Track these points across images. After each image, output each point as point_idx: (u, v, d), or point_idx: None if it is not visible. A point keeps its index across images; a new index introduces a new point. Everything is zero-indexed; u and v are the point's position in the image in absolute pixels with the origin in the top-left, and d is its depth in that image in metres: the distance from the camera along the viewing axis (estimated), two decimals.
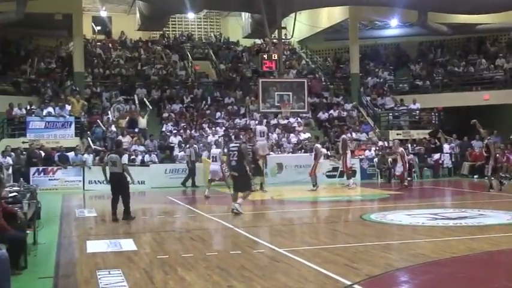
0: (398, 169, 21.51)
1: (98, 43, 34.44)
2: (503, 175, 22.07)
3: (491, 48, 33.34)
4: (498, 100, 29.14)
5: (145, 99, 28.13)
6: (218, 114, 28.99)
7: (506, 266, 8.38)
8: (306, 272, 7.80)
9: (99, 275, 7.79)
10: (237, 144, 14.22)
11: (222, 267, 8.18)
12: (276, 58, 27.86)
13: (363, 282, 7.06)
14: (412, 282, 7.63)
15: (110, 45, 34.55)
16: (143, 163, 23.73)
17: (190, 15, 34.86)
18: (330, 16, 32.33)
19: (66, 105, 25.61)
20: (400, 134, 28.57)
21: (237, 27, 35.91)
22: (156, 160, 24.22)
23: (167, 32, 36.76)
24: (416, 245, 9.69)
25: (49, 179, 22.71)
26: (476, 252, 9.06)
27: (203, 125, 27.71)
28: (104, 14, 34.46)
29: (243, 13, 33.21)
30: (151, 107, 27.64)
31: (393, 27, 33.48)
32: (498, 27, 32.15)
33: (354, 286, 6.93)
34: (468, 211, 13.90)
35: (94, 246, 10.05)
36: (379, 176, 25.61)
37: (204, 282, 7.38)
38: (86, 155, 23.43)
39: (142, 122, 26.28)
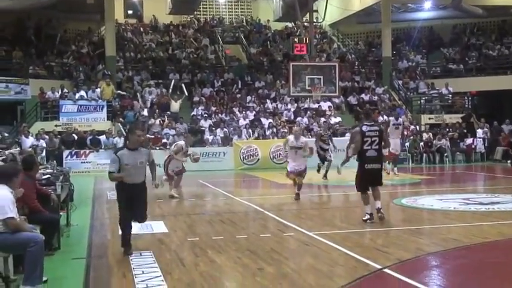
0: None
1: (130, 27, 34.54)
2: None
3: None
4: None
5: (183, 85, 28.10)
6: (248, 98, 28.95)
7: None
8: (335, 256, 7.81)
9: (130, 256, 7.90)
10: (377, 128, 10.32)
11: (252, 250, 8.23)
12: (307, 41, 27.76)
13: (394, 267, 7.03)
14: (443, 267, 7.57)
15: (141, 29, 34.59)
16: None
17: None
18: None
19: (97, 89, 25.90)
20: (432, 119, 28.31)
21: (268, 10, 35.69)
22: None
23: (198, 16, 36.75)
24: (448, 230, 9.63)
25: (81, 162, 22.95)
26: (508, 237, 8.96)
27: (233, 108, 27.73)
28: None
29: None
30: (187, 94, 27.66)
31: (426, 10, 32.97)
32: None
33: (385, 270, 6.91)
34: (501, 196, 13.72)
35: None
36: (410, 161, 25.39)
37: (234, 265, 7.43)
38: (117, 138, 23.68)
39: (175, 106, 26.39)
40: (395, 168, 19.76)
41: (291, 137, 13.89)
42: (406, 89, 31.06)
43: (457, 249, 8.22)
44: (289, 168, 13.49)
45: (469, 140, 26.25)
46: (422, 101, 29.89)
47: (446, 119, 27.85)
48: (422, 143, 25.87)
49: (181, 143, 14.94)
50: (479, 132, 26.58)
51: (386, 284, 6.68)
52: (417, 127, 27.18)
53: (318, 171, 18.48)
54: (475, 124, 27.44)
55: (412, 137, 25.86)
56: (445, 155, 25.54)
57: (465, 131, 26.93)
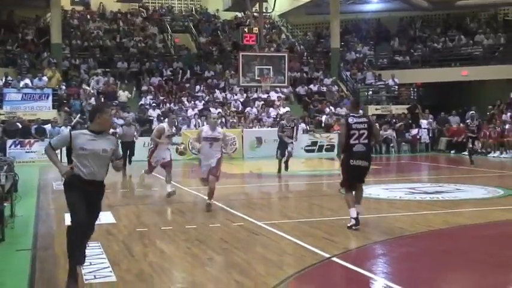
0: None
1: (76, 14, 33.83)
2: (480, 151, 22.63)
3: (470, 25, 33.49)
4: (477, 76, 29.40)
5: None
6: (198, 87, 28.80)
7: (481, 240, 8.50)
8: (284, 245, 7.85)
9: None
10: (365, 119, 9.14)
11: (201, 239, 8.21)
12: (257, 32, 27.76)
13: (341, 255, 7.13)
14: (389, 255, 7.71)
15: (89, 16, 33.93)
16: None
17: None
18: None
19: (44, 77, 25.33)
20: (378, 109, 28.74)
21: (217, 0, 35.58)
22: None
23: (147, 4, 36.30)
24: (394, 219, 9.81)
25: (26, 152, 22.47)
26: (452, 226, 9.20)
27: (182, 98, 27.54)
28: None
29: None
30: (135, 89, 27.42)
31: (374, 2, 33.49)
32: (478, 3, 32.35)
33: (333, 259, 6.99)
34: (444, 186, 14.07)
35: None
36: None
37: (183, 255, 7.39)
38: (63, 128, 23.22)
39: (123, 95, 26.10)
40: None
41: (205, 127, 11.43)
42: (354, 80, 31.43)
43: (402, 237, 8.39)
44: (201, 168, 11.22)
45: (414, 131, 26.80)
46: (369, 92, 30.33)
47: (393, 109, 28.35)
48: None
49: (163, 125, 13.37)
50: (424, 123, 27.16)
51: (335, 272, 6.76)
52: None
53: (286, 168, 17.39)
54: (420, 115, 28.01)
55: None
56: (391, 145, 26.07)
57: (410, 121, 27.49)
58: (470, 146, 19.63)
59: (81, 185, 6.07)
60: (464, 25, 33.75)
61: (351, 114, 9.04)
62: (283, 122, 18.09)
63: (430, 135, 27.01)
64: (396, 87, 30.24)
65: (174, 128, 12.08)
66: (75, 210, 6.03)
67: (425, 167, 21.71)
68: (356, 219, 8.68)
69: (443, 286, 6.29)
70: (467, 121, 20.19)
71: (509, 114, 25.50)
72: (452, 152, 25.12)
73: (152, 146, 13.03)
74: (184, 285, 6.19)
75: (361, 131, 8.81)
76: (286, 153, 17.43)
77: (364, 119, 9.07)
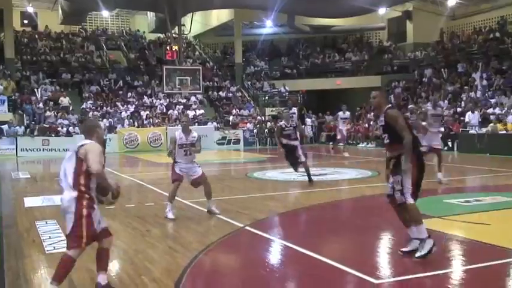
0: None
1: (26, 34, 32.13)
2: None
3: (342, 45, 34.58)
4: (347, 85, 30.44)
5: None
6: (129, 94, 28.09)
7: (358, 210, 8.82)
8: (207, 218, 7.80)
9: (37, 224, 7.40)
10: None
11: (139, 215, 8.03)
12: (176, 49, 27.42)
13: (252, 224, 7.18)
14: (290, 223, 7.86)
15: (37, 36, 32.29)
16: (68, 134, 22.81)
17: (105, 13, 33.21)
18: (219, 16, 32.09)
19: (0, 86, 24.32)
20: (273, 111, 29.13)
21: (143, 23, 34.72)
22: (78, 131, 23.21)
23: (85, 26, 34.87)
24: (291, 196, 9.98)
25: None
26: (334, 199, 9.46)
27: (117, 103, 26.80)
28: (30, 9, 32.08)
29: (148, 12, 32.20)
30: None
31: (268, 27, 33.75)
32: (347, 28, 33.38)
33: (246, 228, 7.03)
34: (326, 169, 14.39)
35: (31, 201, 9.50)
36: (257, 143, 26.04)
37: (126, 228, 7.21)
38: (17, 127, 22.31)
39: (65, 101, 25.31)
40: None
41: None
42: (254, 88, 31.71)
43: (299, 209, 8.56)
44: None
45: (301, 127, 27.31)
46: (266, 97, 30.68)
47: (284, 111, 28.74)
48: (266, 130, 26.60)
49: (175, 133, 8.36)
50: (308, 121, 27.80)
51: (247, 237, 6.79)
52: (262, 117, 27.87)
53: (309, 180, 11.08)
54: (305, 115, 28.62)
55: (258, 125, 26.50)
56: None
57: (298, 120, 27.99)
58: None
59: None
60: (337, 45, 34.81)
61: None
62: (281, 123, 11.59)
63: (313, 130, 27.71)
64: (286, 93, 30.76)
65: (192, 135, 7.99)
66: None
67: (310, 155, 22.20)
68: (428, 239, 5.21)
69: (328, 245, 6.48)
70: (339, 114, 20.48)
71: (372, 114, 26.57)
72: (330, 143, 25.83)
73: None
74: (129, 252, 6.03)
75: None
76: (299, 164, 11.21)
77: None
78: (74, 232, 4.34)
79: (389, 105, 5.42)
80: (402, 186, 5.20)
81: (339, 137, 19.88)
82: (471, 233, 6.48)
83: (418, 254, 5.09)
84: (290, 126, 11.10)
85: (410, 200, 5.19)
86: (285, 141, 11.02)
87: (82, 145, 4.49)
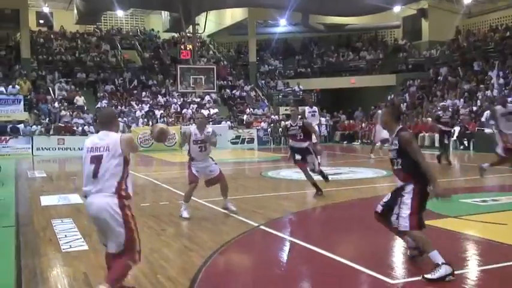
0: None
1: (42, 34, 32.49)
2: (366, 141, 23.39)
3: (356, 44, 34.42)
4: (361, 84, 30.28)
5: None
6: (143, 93, 28.26)
7: (373, 210, 8.76)
8: (222, 218, 7.83)
9: (53, 223, 7.48)
10: None
11: (155, 215, 8.08)
12: (191, 49, 27.52)
13: (267, 224, 7.19)
14: (304, 222, 7.87)
15: (52, 36, 32.65)
16: (84, 133, 23.03)
17: (120, 13, 33.43)
18: (233, 15, 32.14)
19: (16, 86, 24.67)
20: (287, 110, 29.00)
21: (158, 22, 34.92)
22: (93, 130, 23.44)
23: (100, 26, 35.15)
24: (305, 195, 9.94)
25: (2, 147, 21.72)
26: (349, 199, 9.42)
27: (131, 102, 26.99)
28: (46, 9, 32.39)
29: (163, 11, 32.37)
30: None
31: (282, 26, 33.73)
32: (361, 27, 33.22)
33: (260, 227, 7.05)
34: (341, 168, 14.37)
35: (47, 200, 9.61)
36: (272, 143, 26.04)
37: (141, 227, 7.11)
38: (34, 126, 22.65)
39: (80, 100, 25.54)
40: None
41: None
42: (268, 86, 31.70)
43: (312, 209, 8.56)
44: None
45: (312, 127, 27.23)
46: (280, 96, 30.65)
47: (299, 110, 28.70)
48: (280, 129, 26.55)
49: (189, 128, 8.77)
50: (323, 120, 27.66)
51: (262, 237, 6.80)
52: (276, 116, 27.86)
53: (317, 189, 9.58)
54: (319, 114, 28.49)
55: (272, 124, 26.49)
56: None
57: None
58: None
59: None
60: (352, 44, 34.64)
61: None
62: (287, 122, 10.65)
63: (328, 129, 27.63)
64: (300, 92, 30.73)
65: (207, 131, 7.82)
66: None
67: (325, 154, 22.13)
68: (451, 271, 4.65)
69: (342, 245, 6.47)
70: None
71: None
72: (344, 142, 25.80)
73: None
74: (144, 250, 6.07)
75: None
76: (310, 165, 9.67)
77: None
78: (131, 247, 4.17)
79: (400, 126, 4.96)
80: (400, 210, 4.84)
81: (377, 138, 16.92)
82: (487, 232, 6.43)
83: (427, 276, 4.60)
84: (296, 125, 9.78)
85: (405, 228, 4.79)
86: (291, 142, 9.98)
87: (119, 139, 4.21)
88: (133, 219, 4.21)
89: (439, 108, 15.77)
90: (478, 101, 23.06)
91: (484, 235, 6.30)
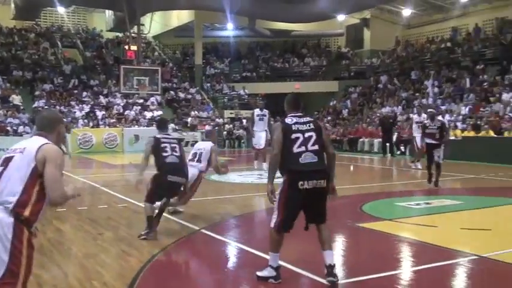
0: None
1: None
2: None
3: (301, 50, 34.96)
4: (306, 89, 30.72)
5: None
6: (84, 93, 27.50)
7: None
8: (162, 222, 7.67)
9: None
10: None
11: (92, 218, 7.87)
12: (135, 49, 27.11)
13: (208, 227, 7.16)
14: (245, 225, 7.89)
15: None
16: (16, 133, 22.14)
17: (61, 9, 32.40)
18: (180, 17, 31.89)
19: None
20: (232, 113, 29.17)
21: (101, 21, 34.13)
22: (30, 131, 22.57)
23: (39, 22, 33.93)
24: (247, 198, 9.97)
25: None
26: None
27: (71, 102, 26.20)
28: None
29: (107, 10, 31.68)
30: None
31: (229, 30, 33.79)
32: (306, 33, 33.76)
33: (201, 230, 7.01)
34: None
35: None
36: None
37: (77, 232, 7.06)
38: None
39: (16, 99, 24.49)
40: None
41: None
42: (213, 90, 31.64)
43: (254, 212, 8.61)
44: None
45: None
46: (225, 99, 30.66)
47: (243, 114, 28.86)
48: (225, 132, 26.59)
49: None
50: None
51: (202, 240, 6.76)
52: (221, 120, 27.84)
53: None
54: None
55: (217, 128, 26.44)
56: (242, 141, 26.56)
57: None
58: None
59: None
60: (297, 50, 35.15)
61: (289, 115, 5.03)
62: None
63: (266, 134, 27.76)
64: (246, 96, 30.87)
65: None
66: None
67: (262, 157, 22.29)
68: (277, 269, 4.79)
69: (284, 247, 6.53)
70: None
71: (329, 118, 27.03)
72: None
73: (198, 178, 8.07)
74: (79, 256, 5.91)
75: (307, 134, 4.73)
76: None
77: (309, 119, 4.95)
78: (11, 281, 3.03)
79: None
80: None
81: (417, 147, 14.91)
82: (419, 234, 6.69)
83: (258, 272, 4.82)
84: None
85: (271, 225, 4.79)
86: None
87: (41, 146, 3.19)
88: (28, 250, 3.12)
89: (425, 116, 13.28)
90: (415, 109, 23.92)
91: (416, 237, 6.55)
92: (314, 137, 4.68)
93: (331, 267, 4.59)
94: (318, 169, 4.60)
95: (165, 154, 6.64)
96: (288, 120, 4.83)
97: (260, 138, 13.80)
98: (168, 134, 7.16)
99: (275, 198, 4.74)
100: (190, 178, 7.21)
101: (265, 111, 13.78)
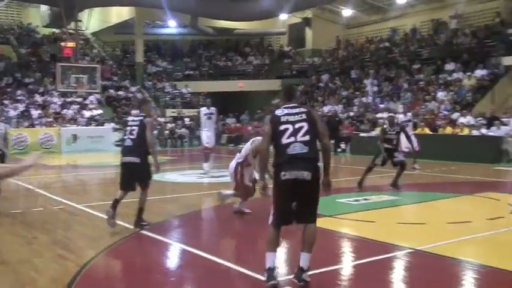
0: None
1: None
2: None
3: (244, 48, 35.04)
4: (249, 87, 30.92)
5: None
6: (19, 92, 26.40)
7: (255, 210, 8.93)
8: (100, 223, 7.51)
9: None
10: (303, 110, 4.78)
11: (26, 222, 7.59)
12: (73, 46, 26.34)
13: (149, 228, 7.03)
14: (187, 225, 7.82)
15: None
16: None
17: None
18: (119, 14, 31.21)
19: None
20: (174, 112, 28.87)
21: (37, 16, 32.86)
22: None
23: None
24: (190, 198, 9.91)
25: None
26: (234, 201, 9.48)
27: (4, 101, 25.09)
28: None
29: (42, 5, 30.53)
30: None
31: (171, 27, 33.41)
32: (249, 32, 33.87)
33: (142, 232, 6.88)
34: (227, 171, 14.40)
35: None
36: (157, 145, 25.60)
37: (10, 236, 6.77)
38: None
39: None
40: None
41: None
42: (155, 88, 31.17)
43: (196, 212, 8.55)
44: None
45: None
46: (167, 98, 30.30)
47: (185, 112, 28.62)
48: (167, 131, 26.27)
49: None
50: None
51: (142, 241, 6.66)
52: (163, 119, 27.49)
53: None
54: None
55: (159, 126, 26.10)
56: (185, 140, 26.34)
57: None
58: None
59: None
60: (240, 48, 35.21)
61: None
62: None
63: (216, 132, 27.70)
64: (188, 95, 30.62)
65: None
66: None
67: (212, 156, 22.22)
68: (273, 270, 4.50)
69: (223, 246, 6.53)
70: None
71: None
72: (231, 145, 26.11)
73: (238, 166, 8.54)
74: (12, 261, 5.66)
75: (297, 125, 4.56)
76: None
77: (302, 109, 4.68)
78: None
79: None
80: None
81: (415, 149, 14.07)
82: (358, 230, 6.87)
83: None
84: None
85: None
86: None
87: None
88: None
89: (385, 119, 13.40)
90: (355, 107, 24.55)
91: (355, 232, 6.73)
92: (306, 128, 4.52)
93: (300, 271, 4.50)
94: (303, 158, 4.43)
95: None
96: (278, 111, 4.69)
97: (209, 137, 13.61)
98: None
99: (269, 194, 4.63)
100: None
101: (213, 109, 13.61)
